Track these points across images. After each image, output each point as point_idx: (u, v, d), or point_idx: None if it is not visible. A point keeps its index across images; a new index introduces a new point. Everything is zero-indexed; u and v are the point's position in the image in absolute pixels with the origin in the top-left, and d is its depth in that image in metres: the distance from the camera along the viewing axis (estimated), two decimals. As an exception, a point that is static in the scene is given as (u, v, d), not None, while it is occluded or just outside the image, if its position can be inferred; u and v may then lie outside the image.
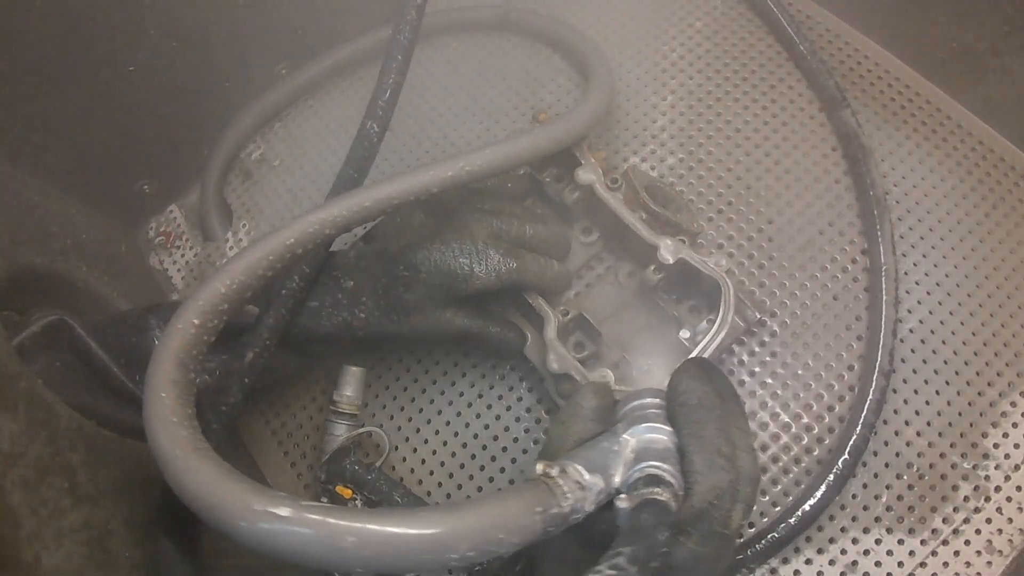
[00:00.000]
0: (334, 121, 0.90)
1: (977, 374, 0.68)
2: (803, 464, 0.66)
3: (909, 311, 0.70)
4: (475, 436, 0.70)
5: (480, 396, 0.71)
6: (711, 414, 0.44)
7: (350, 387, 0.68)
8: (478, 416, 0.71)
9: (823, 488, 0.62)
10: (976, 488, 0.64)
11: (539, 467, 0.41)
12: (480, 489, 0.68)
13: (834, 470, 0.62)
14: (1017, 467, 0.65)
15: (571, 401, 0.49)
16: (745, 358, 0.69)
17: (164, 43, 0.77)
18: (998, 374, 0.68)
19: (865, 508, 0.64)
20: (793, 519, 0.61)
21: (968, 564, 0.62)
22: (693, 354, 0.61)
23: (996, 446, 0.65)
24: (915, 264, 0.72)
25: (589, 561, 0.38)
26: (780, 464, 0.66)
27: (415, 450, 0.71)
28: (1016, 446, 0.65)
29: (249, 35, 0.84)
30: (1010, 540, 0.62)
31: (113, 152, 0.81)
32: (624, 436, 0.44)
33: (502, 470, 0.69)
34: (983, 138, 0.78)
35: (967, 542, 0.62)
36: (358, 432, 0.67)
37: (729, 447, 0.42)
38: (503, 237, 0.65)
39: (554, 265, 0.67)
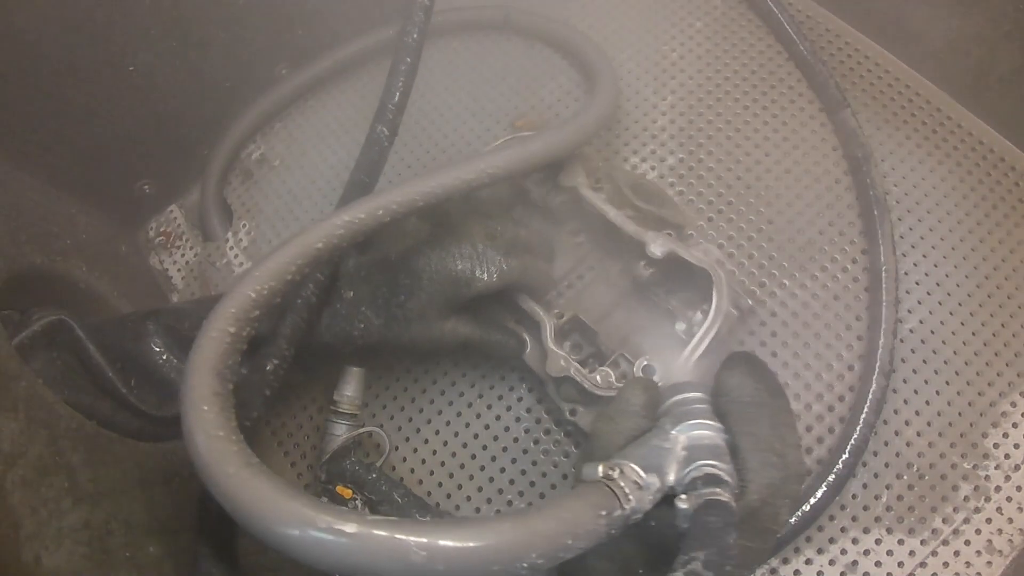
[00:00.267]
0: (334, 121, 0.90)
1: (977, 374, 0.68)
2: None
3: (909, 311, 0.70)
4: (475, 436, 0.70)
5: (480, 396, 0.71)
6: (763, 411, 0.44)
7: (350, 387, 0.67)
8: (478, 416, 0.71)
9: (823, 488, 0.62)
10: (976, 488, 0.64)
11: (600, 469, 0.41)
12: (480, 489, 0.68)
13: (834, 470, 0.62)
14: (1017, 467, 0.65)
15: (619, 397, 0.49)
16: (745, 358, 0.69)
17: (164, 43, 0.77)
18: (998, 374, 0.68)
19: (865, 508, 0.64)
20: (793, 519, 0.61)
21: (968, 564, 0.62)
22: (691, 344, 0.61)
23: (996, 446, 0.65)
24: (915, 264, 0.72)
25: (641, 558, 0.38)
26: (780, 464, 0.66)
27: (415, 450, 0.71)
28: (1016, 446, 0.65)
29: (249, 35, 0.84)
30: (1010, 540, 0.62)
31: (113, 152, 0.81)
32: (673, 432, 0.44)
33: (502, 470, 0.69)
34: (983, 138, 0.78)
35: (967, 542, 0.62)
36: (358, 432, 0.67)
37: (781, 444, 0.42)
38: (498, 238, 0.65)
39: (546, 265, 0.68)
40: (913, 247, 0.73)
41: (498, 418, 0.70)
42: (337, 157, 0.87)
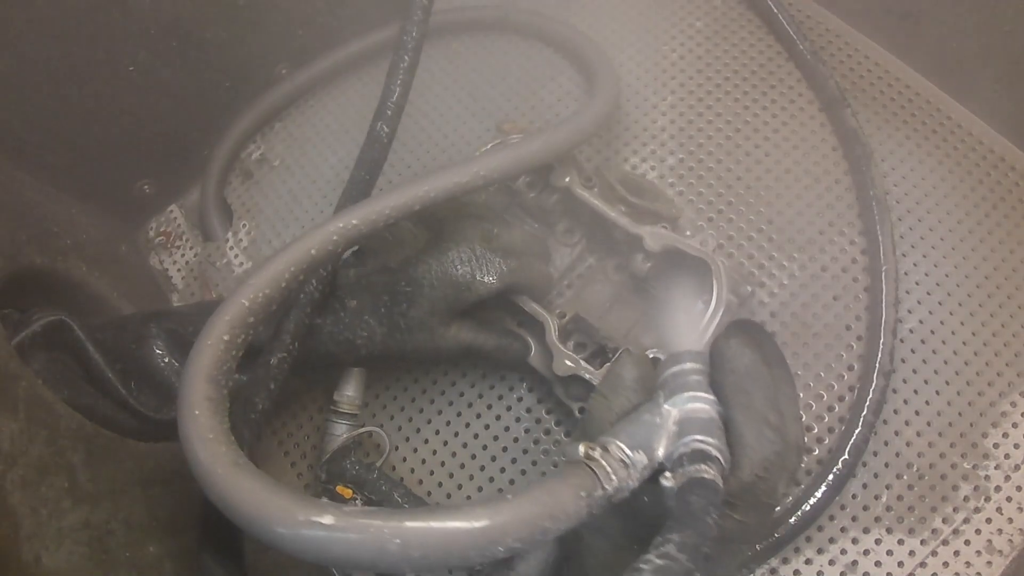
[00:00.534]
0: (334, 121, 0.90)
1: (977, 374, 0.68)
2: (803, 464, 0.66)
3: (909, 311, 0.70)
4: (475, 436, 0.70)
5: (480, 396, 0.71)
6: (759, 383, 0.43)
7: (350, 387, 0.67)
8: (478, 416, 0.71)
9: (823, 488, 0.62)
10: (976, 488, 0.64)
11: (581, 449, 0.40)
12: (480, 489, 0.68)
13: (834, 470, 0.62)
14: (1017, 467, 0.65)
15: (611, 373, 0.48)
16: (745, 358, 0.69)
17: (164, 43, 0.77)
18: (998, 374, 0.68)
19: (865, 508, 0.64)
20: (793, 519, 0.61)
21: (968, 564, 0.62)
22: (695, 334, 0.60)
23: (996, 446, 0.65)
24: (915, 264, 0.72)
25: (629, 532, 0.37)
26: (780, 464, 0.66)
27: (415, 450, 0.71)
28: (1016, 446, 0.65)
29: (249, 35, 0.84)
30: (1010, 540, 0.62)
31: (113, 152, 0.81)
32: (665, 407, 0.43)
33: (502, 470, 0.69)
34: (983, 138, 0.78)
35: (967, 542, 0.62)
36: (358, 432, 0.67)
37: (778, 417, 0.41)
38: (495, 241, 0.65)
39: (544, 265, 0.68)
40: (913, 247, 0.73)
41: (498, 418, 0.70)
42: (337, 157, 0.87)
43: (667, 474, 0.40)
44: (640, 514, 0.42)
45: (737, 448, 0.41)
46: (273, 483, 0.38)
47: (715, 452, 0.40)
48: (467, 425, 0.71)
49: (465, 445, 0.70)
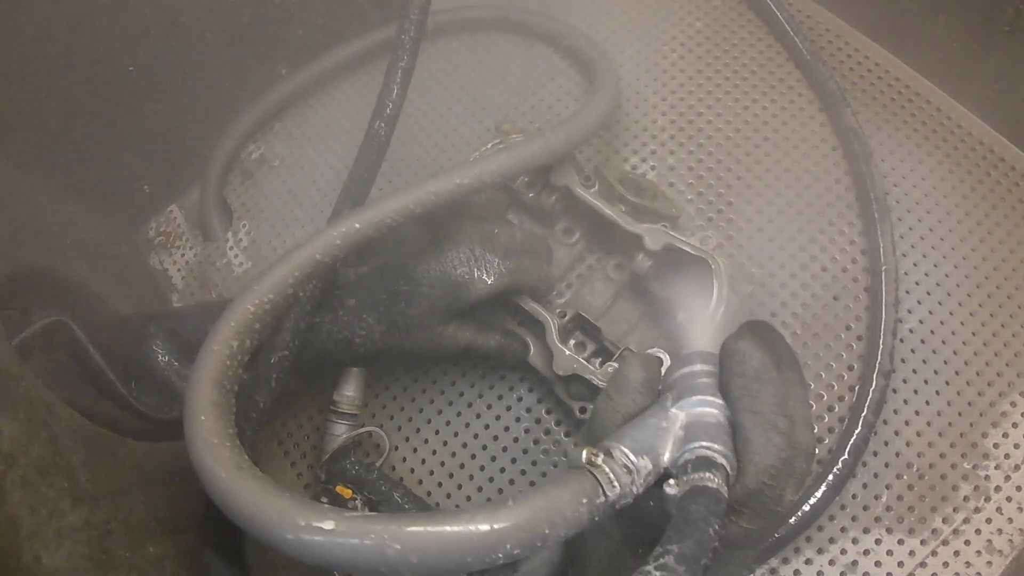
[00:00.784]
0: (334, 121, 0.90)
1: (977, 374, 0.68)
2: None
3: (909, 311, 0.70)
4: (475, 436, 0.70)
5: (480, 396, 0.71)
6: (768, 386, 0.41)
7: (350, 387, 0.67)
8: (478, 416, 0.71)
9: (823, 488, 0.62)
10: (976, 488, 0.64)
11: (584, 454, 0.39)
12: (480, 489, 0.68)
13: (834, 470, 0.62)
14: (1017, 467, 0.65)
15: (617, 374, 0.47)
16: (745, 358, 0.69)
17: (164, 43, 0.77)
18: (998, 374, 0.68)
19: (865, 508, 0.64)
20: (793, 519, 0.61)
21: (968, 564, 0.62)
22: (696, 332, 0.60)
23: (996, 446, 0.65)
24: (915, 264, 0.72)
25: (633, 536, 0.37)
26: (780, 464, 0.66)
27: (415, 450, 0.71)
28: (1016, 446, 0.65)
29: (249, 35, 0.84)
30: (1010, 540, 0.62)
31: (113, 152, 0.81)
32: (673, 410, 0.42)
33: (502, 470, 0.69)
34: (983, 138, 0.78)
35: (967, 542, 0.62)
36: (358, 432, 0.67)
37: (787, 422, 0.40)
38: (494, 241, 0.65)
39: (544, 265, 0.68)
40: (913, 247, 0.73)
41: (498, 418, 0.70)
42: (337, 157, 0.87)
43: (671, 481, 0.40)
44: (645, 518, 0.41)
45: (744, 454, 0.40)
46: (275, 487, 0.38)
47: (721, 459, 0.39)
48: (467, 425, 0.71)
49: (465, 445, 0.70)
